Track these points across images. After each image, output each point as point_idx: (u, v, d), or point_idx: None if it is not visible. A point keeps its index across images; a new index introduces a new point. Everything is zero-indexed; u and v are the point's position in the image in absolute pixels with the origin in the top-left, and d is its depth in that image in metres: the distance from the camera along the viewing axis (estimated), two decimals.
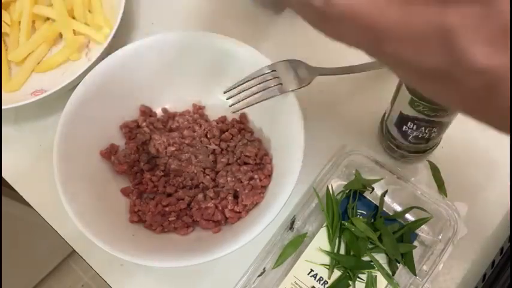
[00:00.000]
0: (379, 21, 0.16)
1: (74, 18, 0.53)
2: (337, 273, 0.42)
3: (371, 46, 0.17)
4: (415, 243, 0.43)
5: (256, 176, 0.43)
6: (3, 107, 0.46)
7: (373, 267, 0.41)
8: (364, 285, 0.41)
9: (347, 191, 0.44)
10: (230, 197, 0.43)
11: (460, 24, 0.14)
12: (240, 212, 0.42)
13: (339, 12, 0.16)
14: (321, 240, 0.43)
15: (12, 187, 0.49)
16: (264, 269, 0.42)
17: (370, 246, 0.42)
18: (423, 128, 0.40)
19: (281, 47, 0.52)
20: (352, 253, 0.42)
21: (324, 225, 0.43)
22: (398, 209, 0.44)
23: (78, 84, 0.44)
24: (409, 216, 0.43)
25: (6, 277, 0.94)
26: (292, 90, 0.42)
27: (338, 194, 0.44)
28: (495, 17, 0.14)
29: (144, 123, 0.47)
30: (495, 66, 0.14)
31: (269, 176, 0.44)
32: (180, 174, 0.45)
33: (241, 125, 0.47)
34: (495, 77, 0.15)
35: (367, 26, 0.16)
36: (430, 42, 0.15)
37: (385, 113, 0.45)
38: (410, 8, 0.15)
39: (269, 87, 0.42)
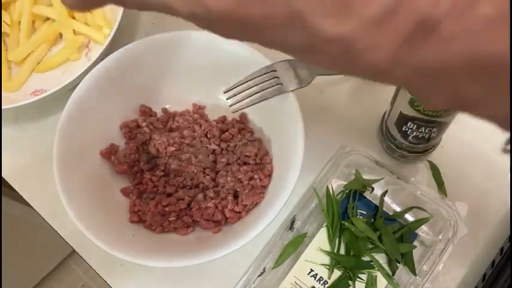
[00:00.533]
0: (249, 18, 0.19)
1: (74, 18, 0.53)
2: (337, 273, 0.42)
3: (253, 38, 0.20)
4: (415, 243, 0.43)
5: (256, 176, 0.43)
6: (3, 107, 0.46)
7: (373, 267, 0.41)
8: (364, 285, 0.41)
9: (347, 191, 0.44)
10: (230, 197, 0.43)
11: (305, 5, 0.17)
12: (240, 212, 0.42)
13: (217, 17, 0.19)
14: (321, 240, 0.43)
15: (12, 187, 0.49)
16: (264, 269, 0.42)
17: (370, 246, 0.42)
18: (423, 128, 0.40)
19: None
20: (352, 253, 0.42)
21: (324, 225, 0.43)
22: (398, 209, 0.44)
23: (78, 84, 0.44)
24: (408, 216, 0.43)
25: (6, 277, 0.94)
26: (292, 90, 0.42)
27: (338, 194, 0.44)
28: None
29: (144, 123, 0.47)
30: (342, 33, 0.17)
31: (269, 176, 0.44)
32: (180, 174, 0.45)
33: (241, 125, 0.47)
34: (346, 41, 0.18)
35: (240, 24, 0.19)
36: (290, 26, 0.18)
37: (385, 113, 0.45)
38: None
39: (269, 87, 0.42)
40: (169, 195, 0.45)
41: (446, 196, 0.44)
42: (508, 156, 0.46)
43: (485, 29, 0.16)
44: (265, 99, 0.42)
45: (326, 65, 0.20)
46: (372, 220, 0.43)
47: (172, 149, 0.45)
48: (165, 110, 0.49)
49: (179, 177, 0.45)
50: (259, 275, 0.42)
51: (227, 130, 0.47)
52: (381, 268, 0.41)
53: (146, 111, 0.48)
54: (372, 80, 0.21)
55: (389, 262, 0.42)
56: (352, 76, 0.21)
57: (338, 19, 0.17)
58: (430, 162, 0.46)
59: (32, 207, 0.48)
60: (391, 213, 0.44)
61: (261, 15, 0.18)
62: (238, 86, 0.43)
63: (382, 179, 0.44)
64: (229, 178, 0.44)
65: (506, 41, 0.16)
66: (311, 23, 0.18)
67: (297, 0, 0.17)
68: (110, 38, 0.48)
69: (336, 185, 0.45)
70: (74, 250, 0.46)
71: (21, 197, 0.49)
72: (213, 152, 0.46)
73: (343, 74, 0.21)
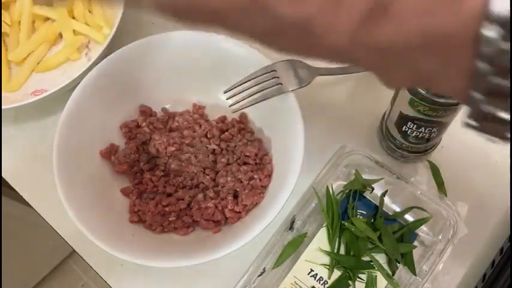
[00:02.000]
0: (212, 5, 0.20)
1: (74, 18, 0.53)
2: (337, 273, 0.42)
3: (217, 24, 0.21)
4: (415, 243, 0.43)
5: (256, 176, 0.43)
6: (3, 107, 0.46)
7: (373, 267, 0.41)
8: (364, 285, 0.41)
9: (347, 191, 0.44)
10: (230, 197, 0.43)
11: None
12: (240, 212, 0.42)
13: (182, 5, 0.20)
14: (321, 240, 0.43)
15: (12, 187, 0.49)
16: (264, 269, 0.42)
17: (370, 246, 0.42)
18: (423, 128, 0.40)
19: None
20: (352, 253, 0.42)
21: (324, 225, 0.43)
22: (398, 209, 0.44)
23: (78, 84, 0.44)
24: (408, 216, 0.43)
25: (6, 277, 0.94)
26: (292, 90, 0.42)
27: (338, 194, 0.44)
28: None
29: (144, 123, 0.47)
30: (301, 15, 0.18)
31: (269, 176, 0.44)
32: (180, 174, 0.45)
33: (241, 125, 0.47)
34: (306, 24, 0.19)
35: (204, 11, 0.20)
36: (251, 11, 0.19)
37: (385, 113, 0.45)
38: None
39: (269, 87, 0.42)
40: (169, 195, 0.45)
41: (446, 196, 0.44)
42: (508, 156, 0.46)
43: (435, 6, 0.17)
44: (265, 99, 0.42)
45: (289, 48, 0.21)
46: (372, 220, 0.43)
47: (172, 149, 0.45)
48: (165, 110, 0.49)
49: (179, 177, 0.45)
50: (259, 275, 0.42)
51: (227, 130, 0.47)
52: (381, 268, 0.41)
53: (146, 111, 0.48)
54: (335, 61, 0.21)
55: (389, 262, 0.42)
56: (316, 58, 0.21)
57: (296, 1, 0.18)
58: (430, 162, 0.46)
59: (32, 207, 0.48)
60: (391, 213, 0.44)
61: (225, 5, 0.19)
62: (238, 86, 0.43)
63: (382, 179, 0.44)
64: (229, 178, 0.44)
65: (455, 16, 0.17)
66: (271, 6, 0.19)
67: None
68: (109, 38, 0.48)
69: (336, 185, 0.45)
70: (74, 250, 0.46)
71: (21, 197, 0.49)
72: (213, 152, 0.46)
73: (307, 57, 0.22)
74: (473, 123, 0.20)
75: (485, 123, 0.20)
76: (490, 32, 0.16)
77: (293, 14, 0.18)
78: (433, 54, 0.18)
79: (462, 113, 0.21)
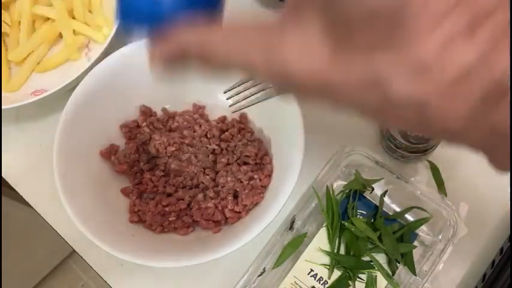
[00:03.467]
0: (328, 81, 0.19)
1: (74, 18, 0.53)
2: (337, 273, 0.42)
3: (329, 99, 0.21)
4: (415, 243, 0.43)
5: (256, 176, 0.43)
6: (3, 107, 0.46)
7: (373, 267, 0.41)
8: (364, 285, 0.41)
9: (347, 191, 0.44)
10: (230, 197, 0.43)
11: (384, 68, 0.18)
12: (240, 212, 0.42)
13: (297, 82, 0.20)
14: (321, 240, 0.43)
15: (12, 187, 0.49)
16: (264, 269, 0.42)
17: (370, 246, 0.42)
18: None
19: None
20: (352, 253, 0.42)
21: (324, 225, 0.43)
22: (398, 209, 0.44)
23: (78, 84, 0.44)
24: (408, 216, 0.43)
25: (6, 277, 0.94)
26: None
27: (338, 194, 0.44)
28: (409, 57, 0.17)
29: (144, 123, 0.47)
30: (417, 97, 0.18)
31: (269, 176, 0.44)
32: (180, 174, 0.45)
33: (241, 125, 0.47)
34: (421, 106, 0.18)
35: (322, 87, 0.20)
36: (366, 87, 0.19)
37: None
38: (346, 61, 0.19)
39: (269, 87, 0.42)
40: (169, 195, 0.45)
41: (446, 196, 0.44)
42: None
43: None
44: (266, 99, 0.42)
45: (401, 125, 0.20)
46: (372, 220, 0.43)
47: (172, 149, 0.45)
48: (165, 110, 0.49)
49: (179, 177, 0.45)
50: (259, 275, 0.42)
51: (227, 130, 0.47)
52: (381, 268, 0.41)
53: (146, 111, 0.48)
54: (445, 140, 0.21)
55: (389, 262, 0.42)
56: (425, 134, 0.21)
57: (414, 83, 0.17)
58: (430, 162, 0.46)
59: (32, 207, 0.48)
60: (391, 213, 0.44)
61: (341, 81, 0.19)
62: (238, 86, 0.43)
63: (382, 179, 0.44)
64: (229, 178, 0.44)
65: None
66: (387, 85, 0.18)
67: (377, 62, 0.18)
68: (109, 38, 0.48)
69: (336, 185, 0.45)
70: (74, 250, 0.46)
71: (21, 197, 0.49)
72: (213, 152, 0.46)
73: (415, 132, 0.22)
74: None
75: None
76: None
77: (406, 95, 0.18)
78: None
79: None
